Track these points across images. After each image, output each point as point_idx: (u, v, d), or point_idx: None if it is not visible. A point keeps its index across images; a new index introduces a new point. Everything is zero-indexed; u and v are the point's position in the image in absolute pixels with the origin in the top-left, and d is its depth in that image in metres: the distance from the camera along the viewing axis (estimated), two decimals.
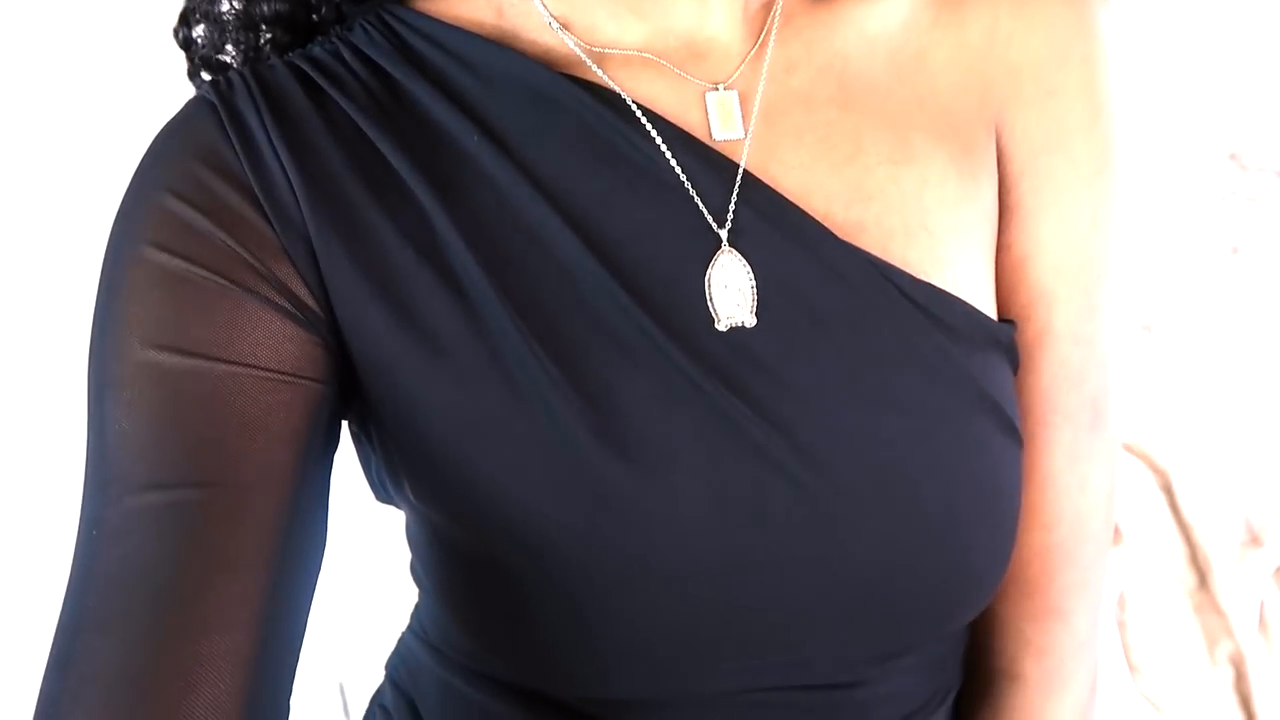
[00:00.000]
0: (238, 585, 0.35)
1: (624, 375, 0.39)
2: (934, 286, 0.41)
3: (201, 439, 0.36)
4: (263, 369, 0.37)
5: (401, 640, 0.54)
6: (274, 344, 0.38)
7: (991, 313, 0.44)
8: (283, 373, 0.38)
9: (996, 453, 0.41)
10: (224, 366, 0.37)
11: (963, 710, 0.49)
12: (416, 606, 0.54)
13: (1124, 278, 0.47)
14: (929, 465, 0.39)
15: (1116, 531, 1.28)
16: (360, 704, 1.06)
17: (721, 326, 0.39)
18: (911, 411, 0.40)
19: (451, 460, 0.39)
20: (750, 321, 0.40)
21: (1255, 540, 1.28)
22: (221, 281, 0.37)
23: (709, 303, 0.40)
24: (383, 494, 0.49)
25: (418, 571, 0.50)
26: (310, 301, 0.39)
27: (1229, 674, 1.15)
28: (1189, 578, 1.26)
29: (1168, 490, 1.31)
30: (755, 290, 0.40)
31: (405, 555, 0.52)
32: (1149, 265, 1.26)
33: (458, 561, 0.42)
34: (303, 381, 0.38)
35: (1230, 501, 1.28)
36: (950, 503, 0.40)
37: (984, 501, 0.40)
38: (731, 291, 0.40)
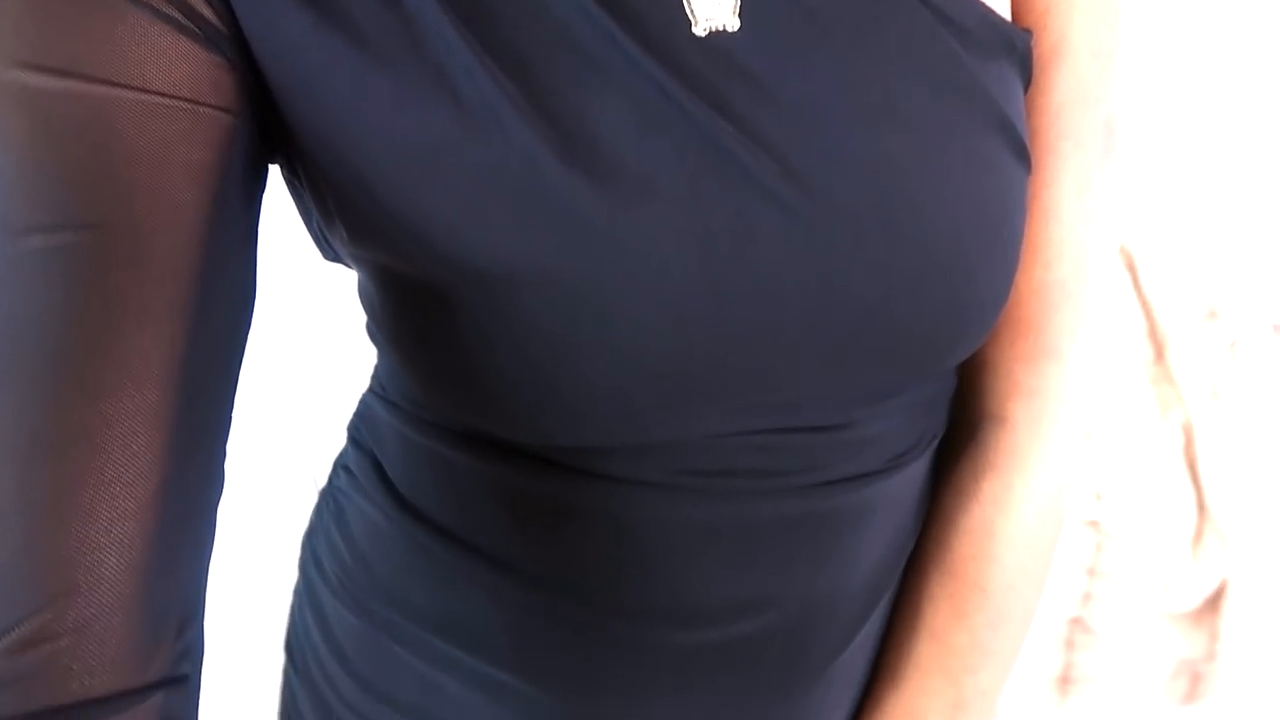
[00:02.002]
0: (145, 338, 0.31)
1: (591, 92, 0.34)
2: None
3: (84, 173, 0.31)
4: (153, 92, 0.32)
5: (361, 400, 0.51)
6: (164, 63, 0.32)
7: (1006, 16, 0.39)
8: (178, 98, 0.32)
9: (1005, 175, 0.38)
10: (104, 89, 0.31)
11: (946, 455, 0.48)
12: (375, 367, 0.50)
13: None
14: (934, 186, 0.36)
15: None
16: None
17: (699, 30, 0.34)
18: (917, 127, 0.35)
19: (391, 193, 0.35)
20: (733, 24, 0.35)
21: (1213, 315, 1.30)
22: None
23: (685, 1, 0.34)
24: (327, 249, 0.45)
25: (372, 329, 0.47)
26: (206, 11, 0.33)
27: (1179, 440, 1.18)
28: (1147, 351, 1.27)
29: (1130, 267, 1.31)
30: None
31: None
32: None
33: (410, 308, 0.38)
34: (204, 109, 0.33)
35: (1190, 278, 1.28)
36: (955, 226, 0.36)
37: (991, 227, 0.37)
38: None
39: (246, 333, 0.36)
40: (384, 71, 0.34)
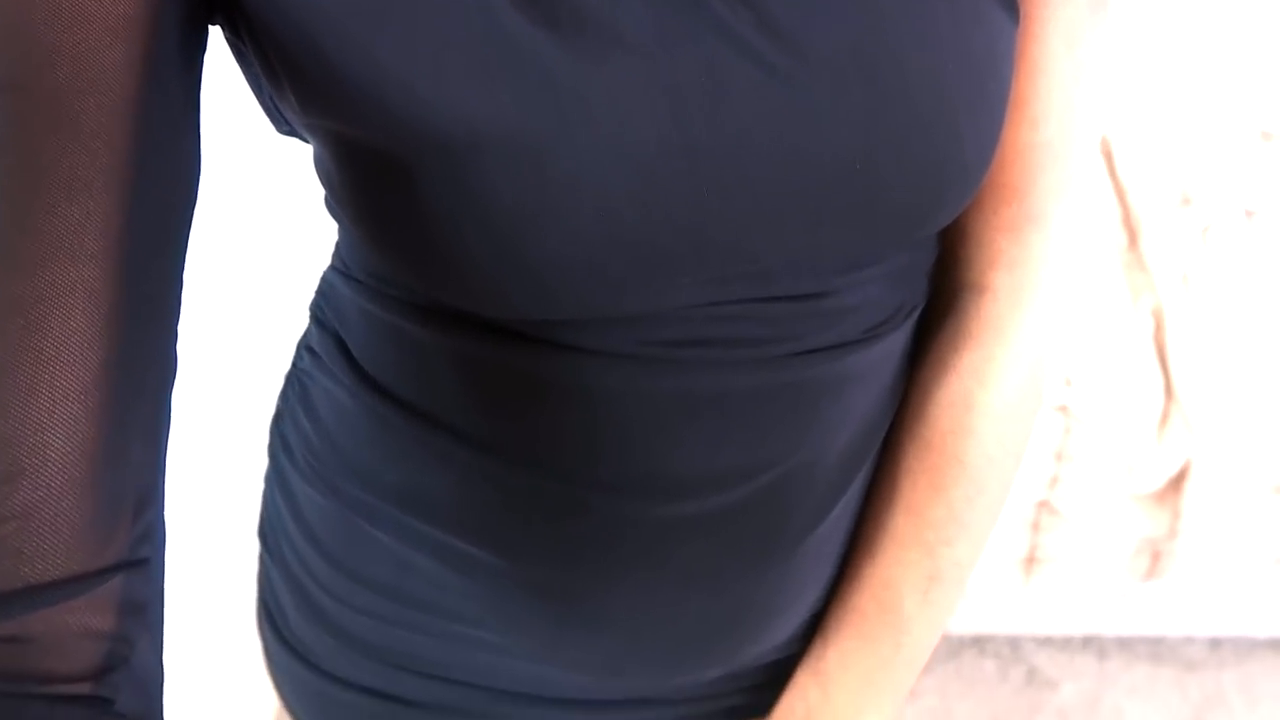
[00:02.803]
0: (75, 208, 0.29)
1: None
2: None
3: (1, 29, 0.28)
4: None
5: (323, 278, 0.50)
6: None
7: None
8: None
9: (992, 27, 0.36)
10: None
11: (924, 327, 0.47)
12: (336, 243, 0.48)
13: None
14: (917, 37, 0.34)
15: None
16: None
17: None
18: None
19: (341, 48, 0.32)
20: None
21: (1186, 201, 1.29)
22: None
23: None
24: (280, 122, 0.42)
25: (330, 203, 0.44)
26: None
27: (1149, 325, 1.18)
28: (1121, 237, 1.27)
29: (1107, 155, 1.30)
30: None
31: None
32: None
33: (369, 180, 0.36)
34: None
35: (1166, 165, 1.28)
36: (939, 81, 0.35)
37: (977, 82, 0.36)
38: None
39: (192, 207, 0.34)
40: None
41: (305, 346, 0.50)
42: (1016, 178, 0.42)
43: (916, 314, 0.45)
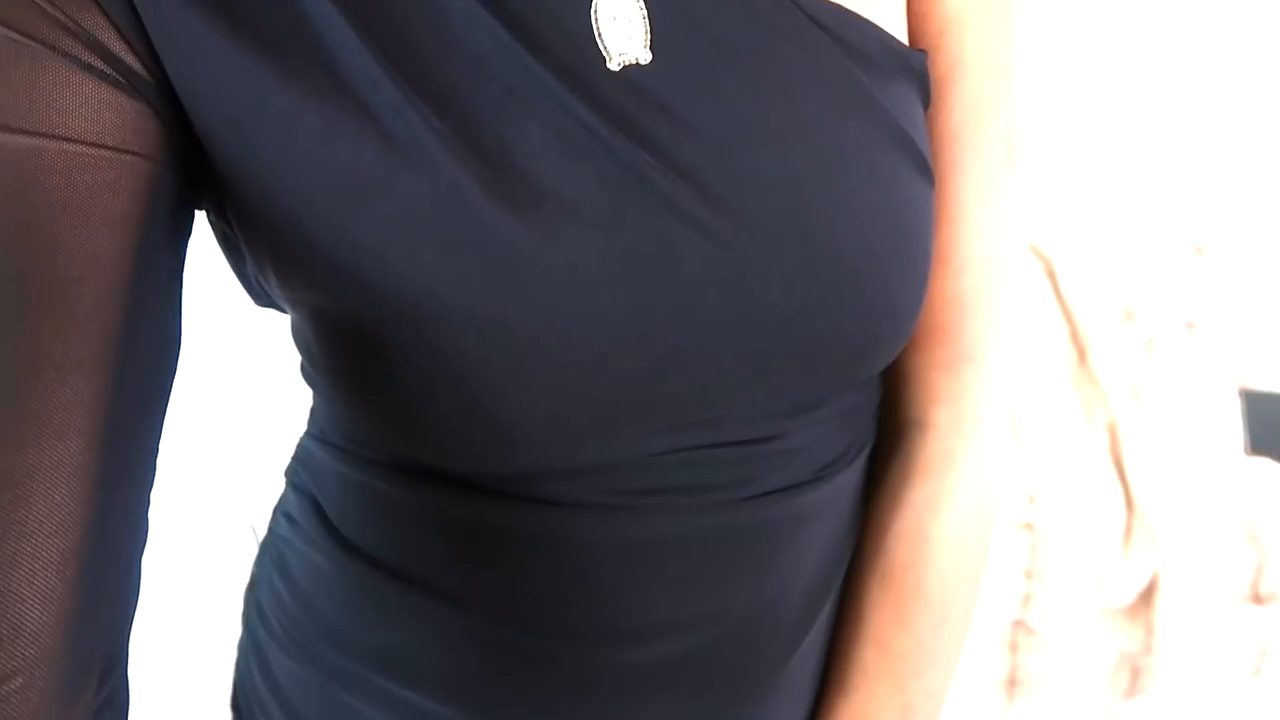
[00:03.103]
0: (66, 389, 0.31)
1: (513, 124, 0.35)
2: (842, 8, 0.38)
3: (6, 224, 0.31)
4: (77, 141, 0.32)
5: (299, 445, 0.51)
6: (89, 112, 0.32)
7: (903, 39, 0.41)
8: (103, 146, 0.32)
9: (909, 189, 0.39)
10: (27, 139, 0.31)
11: (876, 465, 0.49)
12: (312, 409, 0.50)
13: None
14: (843, 201, 0.37)
15: None
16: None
17: (614, 65, 0.36)
18: (823, 145, 0.37)
19: (322, 228, 0.35)
20: (645, 57, 0.36)
21: (1130, 316, 1.34)
22: (13, 36, 0.31)
23: (597, 39, 0.35)
24: (259, 295, 0.45)
25: (307, 369, 0.47)
26: (130, 59, 0.33)
27: (1105, 439, 1.21)
28: (1070, 354, 1.31)
29: (1050, 275, 1.35)
30: (647, 20, 0.36)
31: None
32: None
33: (343, 345, 0.39)
34: (128, 157, 0.33)
35: (1108, 282, 1.33)
36: (866, 238, 0.38)
37: (899, 236, 0.39)
38: (621, 23, 0.36)
39: (171, 379, 0.36)
40: (312, 106, 0.34)
41: (282, 512, 0.51)
42: (947, 320, 0.45)
43: (866, 451, 0.47)
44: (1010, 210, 0.45)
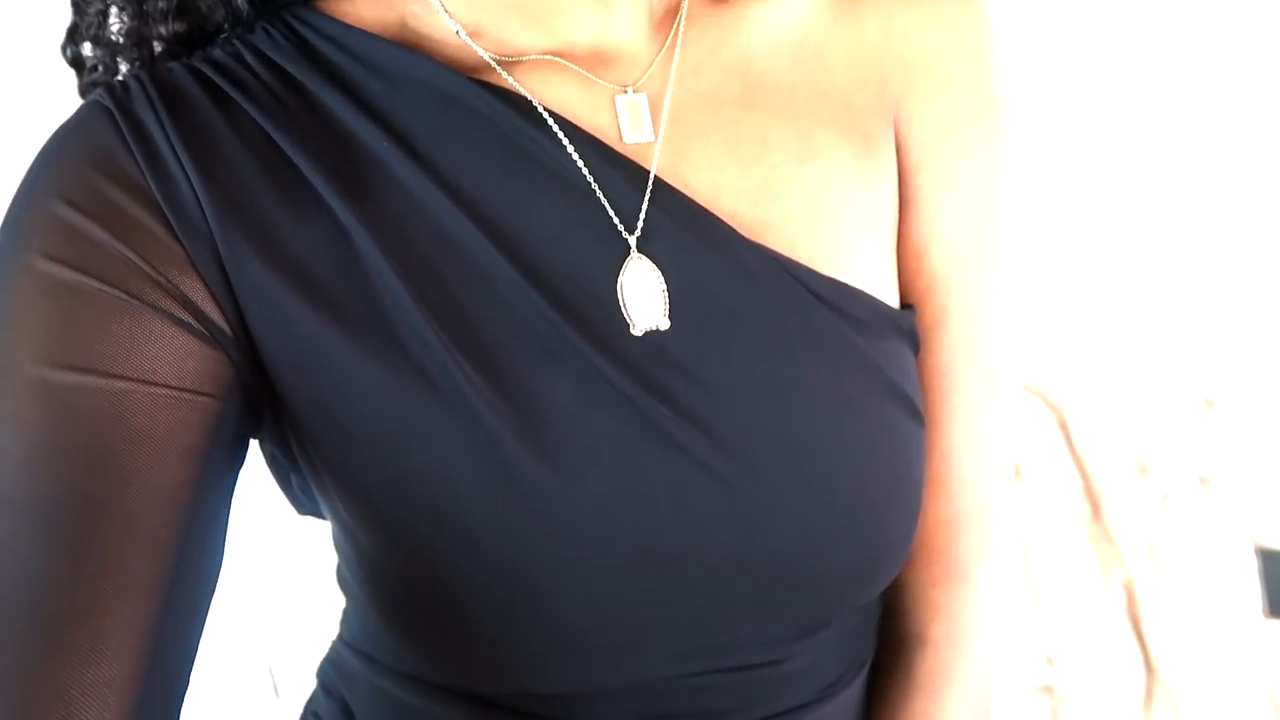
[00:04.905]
0: (126, 609, 0.34)
1: (546, 380, 0.40)
2: (838, 281, 0.42)
3: (90, 456, 0.35)
4: (161, 385, 0.36)
5: (332, 647, 0.54)
6: (174, 360, 0.37)
7: (893, 301, 0.45)
8: (183, 389, 0.37)
9: (901, 433, 0.43)
10: (119, 383, 0.36)
11: (876, 679, 0.52)
12: (345, 613, 0.54)
13: (1022, 250, 0.48)
14: (839, 449, 0.41)
15: (1016, 469, 1.34)
16: (289, 685, 1.05)
17: (637, 331, 0.40)
18: (821, 400, 0.41)
19: (378, 462, 0.40)
20: (665, 324, 0.41)
21: (1143, 470, 1.36)
22: (118, 294, 0.36)
23: (623, 308, 0.40)
24: (306, 506, 0.49)
25: (345, 578, 0.50)
26: (216, 315, 0.38)
27: (1121, 599, 1.22)
28: (1084, 508, 1.33)
29: (1063, 426, 1.37)
30: (667, 294, 0.41)
31: (331, 548, 0.51)
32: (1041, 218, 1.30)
33: (386, 567, 0.43)
34: (202, 398, 0.38)
35: (1120, 435, 1.35)
36: (860, 483, 0.42)
37: (892, 479, 0.43)
38: (644, 296, 0.41)
39: (214, 590, 0.40)
40: (371, 363, 0.39)
41: (311, 712, 0.54)
42: (942, 541, 0.49)
43: (867, 667, 0.50)
44: (997, 438, 0.49)
